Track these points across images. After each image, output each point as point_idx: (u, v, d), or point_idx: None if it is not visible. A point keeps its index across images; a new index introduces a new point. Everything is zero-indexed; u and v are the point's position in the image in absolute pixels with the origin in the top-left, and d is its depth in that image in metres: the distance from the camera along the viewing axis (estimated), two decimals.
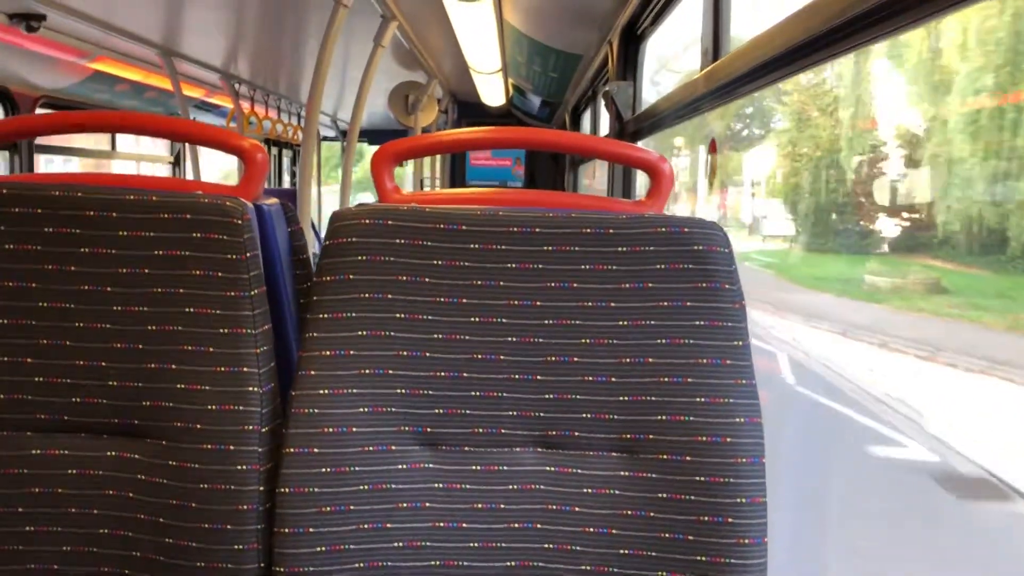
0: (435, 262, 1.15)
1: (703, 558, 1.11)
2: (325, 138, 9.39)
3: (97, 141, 5.56)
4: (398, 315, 1.15)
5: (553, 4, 3.52)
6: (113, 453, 1.21)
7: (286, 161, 9.05)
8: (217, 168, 8.90)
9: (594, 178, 6.30)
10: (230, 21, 4.08)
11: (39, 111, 4.50)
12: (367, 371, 1.14)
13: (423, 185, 8.11)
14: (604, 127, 4.01)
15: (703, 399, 1.12)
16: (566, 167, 7.35)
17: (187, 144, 5.57)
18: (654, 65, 3.26)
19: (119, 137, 5.61)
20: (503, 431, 1.16)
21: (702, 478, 1.11)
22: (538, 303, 1.14)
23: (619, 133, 3.15)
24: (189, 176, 5.82)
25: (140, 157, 6.26)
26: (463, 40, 4.10)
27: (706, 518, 1.11)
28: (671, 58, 3.25)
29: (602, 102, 3.68)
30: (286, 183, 8.96)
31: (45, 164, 4.73)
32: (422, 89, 6.01)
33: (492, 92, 6.22)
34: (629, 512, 1.13)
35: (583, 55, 4.40)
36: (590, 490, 1.14)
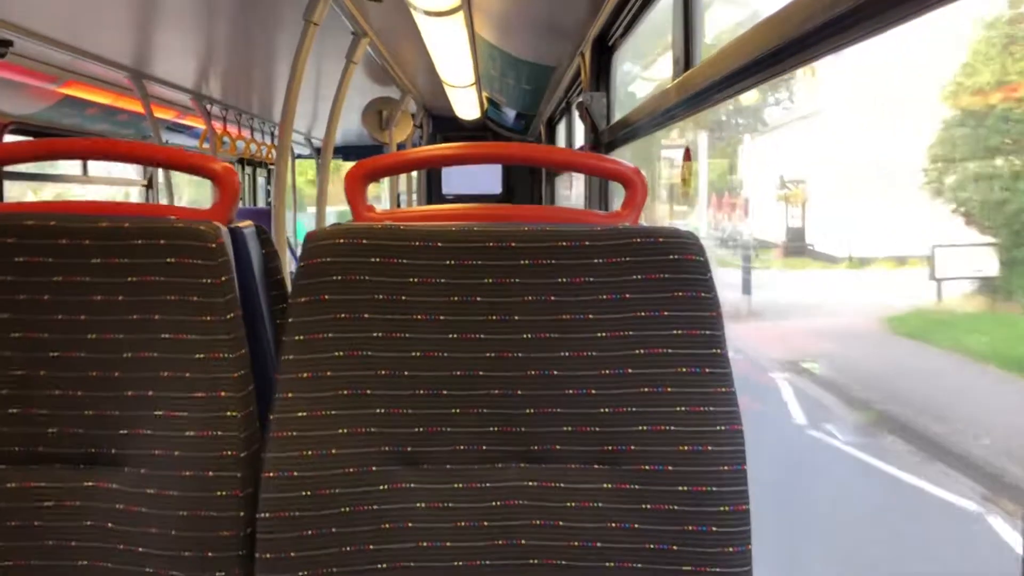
0: (411, 280, 1.14)
1: (688, 568, 1.10)
2: (299, 156, 9.36)
3: (69, 165, 5.51)
4: (375, 334, 1.14)
5: (524, 17, 3.53)
6: (91, 483, 1.20)
7: (261, 180, 9.02)
8: (200, 186, 8.85)
9: (571, 188, 6.32)
10: (200, 42, 4.07)
11: (8, 138, 4.46)
12: (345, 392, 1.13)
13: (400, 201, 8.10)
14: (580, 138, 4.02)
15: (683, 408, 1.12)
16: (543, 179, 7.36)
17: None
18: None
19: (91, 161, 5.57)
20: (485, 447, 1.15)
21: (685, 487, 1.11)
22: (516, 317, 1.14)
23: (594, 143, 3.15)
24: (163, 199, 5.79)
25: (112, 181, 6.22)
26: (435, 55, 4.10)
27: (690, 527, 1.10)
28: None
29: (576, 113, 3.69)
30: (261, 202, 8.92)
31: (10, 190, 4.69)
32: (396, 105, 6.00)
33: (466, 106, 6.22)
34: (614, 524, 1.12)
35: (556, 67, 4.41)
36: (574, 504, 1.13)
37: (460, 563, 1.13)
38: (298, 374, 1.13)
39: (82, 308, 1.19)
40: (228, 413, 1.17)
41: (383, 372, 1.14)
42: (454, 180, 7.93)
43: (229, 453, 1.16)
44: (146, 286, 1.18)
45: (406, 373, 1.14)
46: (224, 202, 1.29)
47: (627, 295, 1.13)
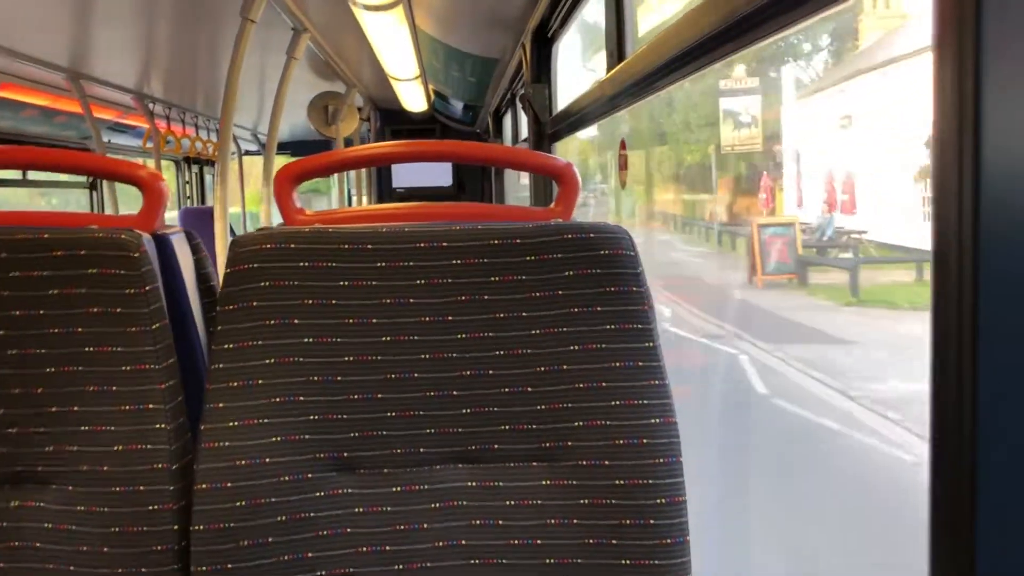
0: (341, 283, 1.13)
1: (627, 561, 1.11)
2: (247, 152, 9.26)
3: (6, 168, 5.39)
4: (306, 340, 1.13)
5: (464, 10, 3.52)
6: (16, 503, 1.17)
7: (208, 178, 8.91)
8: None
9: (524, 179, 6.32)
10: (140, 40, 4.00)
11: None
12: (277, 399, 1.12)
13: (351, 198, 8.04)
14: (525, 129, 4.02)
15: (618, 402, 1.12)
16: (492, 172, 7.36)
17: None
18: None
19: None
20: (422, 449, 1.15)
21: (621, 481, 1.11)
22: (450, 318, 1.14)
23: (538, 135, 3.16)
24: (107, 202, 5.69)
25: (54, 183, 6.10)
26: (378, 48, 4.07)
27: (628, 521, 1.11)
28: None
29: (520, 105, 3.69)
30: (209, 201, 8.81)
31: None
32: (341, 99, 5.95)
33: (413, 98, 6.18)
34: (553, 521, 1.13)
35: (499, 59, 4.41)
36: (513, 502, 1.14)
37: (400, 566, 1.13)
38: (228, 383, 1.12)
39: (1, 323, 1.17)
40: (157, 425, 1.15)
41: (315, 378, 1.13)
42: (404, 175, 7.91)
43: (160, 466, 1.14)
44: (67, 299, 1.16)
45: (339, 378, 1.13)
46: (149, 209, 1.27)
47: (559, 292, 1.14)
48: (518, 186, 6.83)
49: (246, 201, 8.49)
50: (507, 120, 6.07)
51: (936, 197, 0.70)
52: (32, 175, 5.57)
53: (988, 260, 0.67)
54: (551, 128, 3.06)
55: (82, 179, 6.25)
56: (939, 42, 0.69)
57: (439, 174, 7.93)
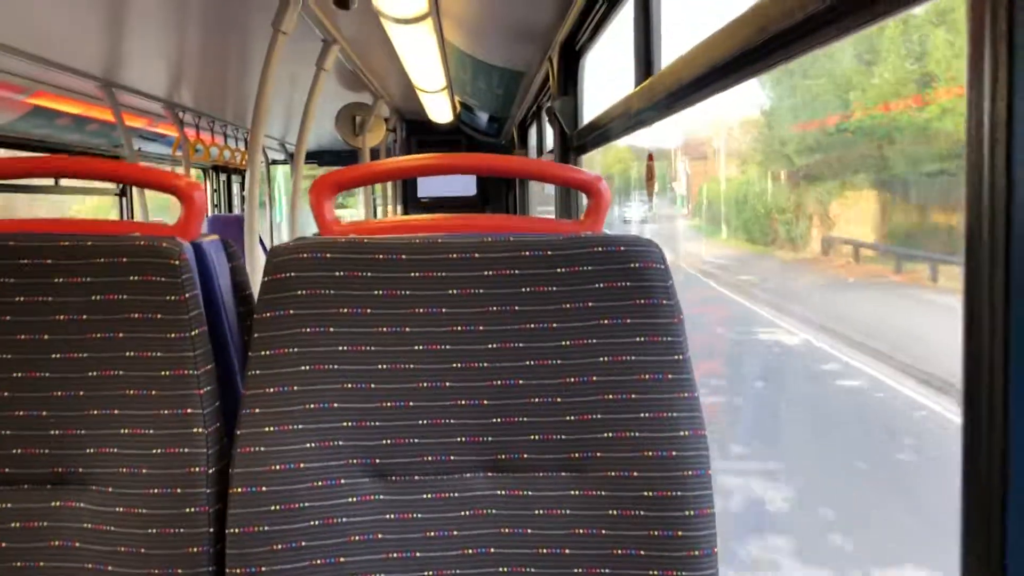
0: (376, 292, 1.15)
1: (655, 572, 1.12)
2: (274, 161, 9.34)
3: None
4: (341, 348, 1.15)
5: (492, 23, 3.54)
6: (58, 503, 1.20)
7: (236, 187, 8.99)
8: None
9: (543, 191, 6.34)
10: (172, 50, 4.05)
11: None
12: (312, 406, 1.14)
13: (376, 208, 8.09)
14: (551, 141, 4.03)
15: (647, 414, 1.13)
16: (517, 183, 7.38)
17: None
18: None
19: None
20: (452, 458, 1.16)
21: (650, 493, 1.12)
22: (481, 328, 1.15)
23: (564, 148, 3.17)
24: (137, 209, 5.76)
25: (86, 191, 6.18)
26: (406, 61, 4.10)
27: (656, 532, 1.12)
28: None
29: (547, 117, 3.71)
30: (237, 209, 8.89)
31: None
32: (369, 110, 6.00)
33: (439, 110, 6.22)
34: (581, 531, 1.14)
35: (526, 72, 4.43)
36: (542, 511, 1.15)
37: (430, 573, 1.15)
38: (264, 389, 1.14)
39: (45, 328, 1.19)
40: (195, 430, 1.17)
41: (349, 385, 1.15)
42: (429, 185, 7.97)
43: (197, 470, 1.17)
44: (109, 304, 1.19)
45: (372, 386, 1.15)
46: (188, 218, 1.29)
47: (590, 303, 1.15)
48: (542, 196, 6.85)
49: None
50: (532, 132, 6.09)
51: (969, 196, 0.72)
52: (64, 181, 5.65)
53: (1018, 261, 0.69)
54: (577, 141, 3.07)
55: (111, 185, 6.33)
56: (973, 45, 0.71)
57: (464, 184, 7.98)
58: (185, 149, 5.62)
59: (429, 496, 1.16)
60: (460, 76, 4.91)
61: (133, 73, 4.43)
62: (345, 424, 1.15)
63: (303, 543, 1.12)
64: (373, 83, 5.16)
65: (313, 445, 1.14)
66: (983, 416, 0.73)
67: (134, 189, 5.87)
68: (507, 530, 1.15)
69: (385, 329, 1.15)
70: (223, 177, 8.53)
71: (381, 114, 6.28)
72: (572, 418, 1.14)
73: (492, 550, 1.15)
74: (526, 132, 6.39)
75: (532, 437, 1.15)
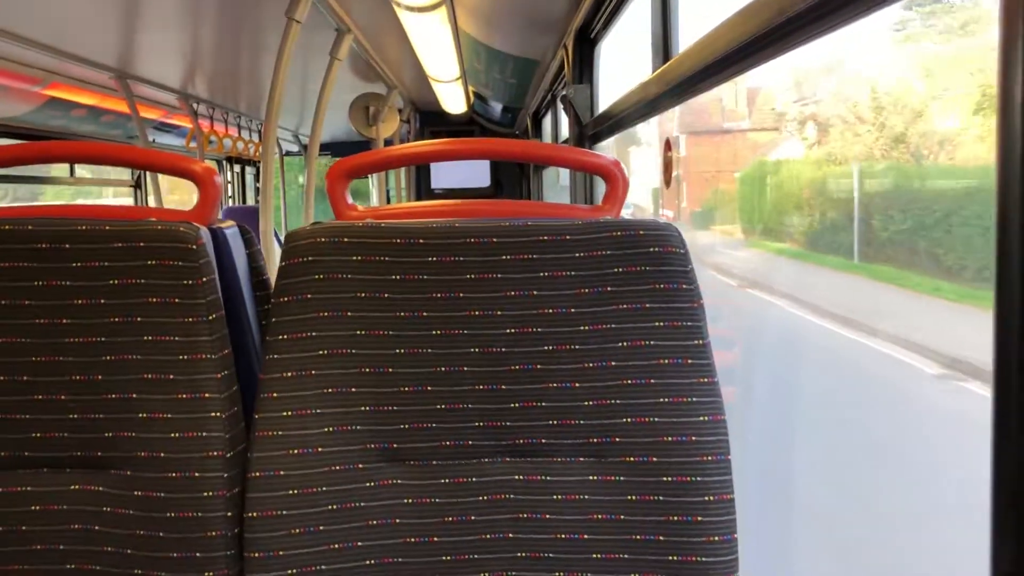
0: (393, 277, 1.15)
1: (674, 557, 1.11)
2: (288, 153, 9.35)
3: (55, 167, 5.50)
4: (359, 332, 1.15)
5: (507, 11, 3.53)
6: (77, 486, 1.20)
7: (249, 178, 9.01)
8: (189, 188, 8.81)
9: (559, 180, 6.33)
10: (186, 41, 4.06)
11: None
12: (330, 390, 1.14)
13: (390, 196, 8.10)
14: (565, 130, 4.02)
15: (666, 399, 1.12)
16: (531, 172, 7.37)
17: None
18: None
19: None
20: (470, 443, 1.16)
21: (669, 478, 1.12)
22: (499, 312, 1.15)
23: (579, 136, 3.16)
24: (151, 199, 5.78)
25: (100, 182, 6.21)
26: (420, 50, 4.10)
27: (675, 518, 1.11)
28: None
29: (561, 106, 3.70)
30: (251, 200, 8.91)
31: None
32: (382, 100, 5.99)
33: (453, 100, 6.21)
34: (600, 516, 1.13)
35: (540, 60, 4.42)
36: (560, 496, 1.14)
37: (448, 558, 1.14)
38: (282, 373, 1.14)
39: (63, 312, 1.19)
40: (212, 414, 1.17)
41: (367, 370, 1.15)
42: (443, 174, 7.96)
43: (215, 453, 1.17)
44: (127, 289, 1.19)
45: (390, 370, 1.15)
46: (205, 203, 1.29)
47: (608, 288, 1.14)
48: (556, 187, 6.84)
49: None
50: (547, 122, 6.08)
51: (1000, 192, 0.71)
52: (79, 171, 5.68)
53: None
54: (592, 129, 3.06)
55: (126, 176, 6.35)
56: (1005, 48, 0.69)
57: (477, 174, 7.97)
58: (199, 140, 5.63)
59: (447, 481, 1.16)
60: (474, 65, 4.89)
61: (147, 64, 4.44)
62: (363, 408, 1.14)
63: (320, 527, 1.12)
64: (387, 73, 5.15)
65: (331, 429, 1.13)
66: (1013, 425, 0.71)
67: (148, 181, 5.89)
68: (525, 515, 1.15)
69: (403, 314, 1.15)
70: (237, 168, 8.55)
71: (395, 105, 6.28)
72: (590, 403, 1.14)
73: (510, 535, 1.15)
74: (540, 122, 6.38)
75: (550, 422, 1.15)
